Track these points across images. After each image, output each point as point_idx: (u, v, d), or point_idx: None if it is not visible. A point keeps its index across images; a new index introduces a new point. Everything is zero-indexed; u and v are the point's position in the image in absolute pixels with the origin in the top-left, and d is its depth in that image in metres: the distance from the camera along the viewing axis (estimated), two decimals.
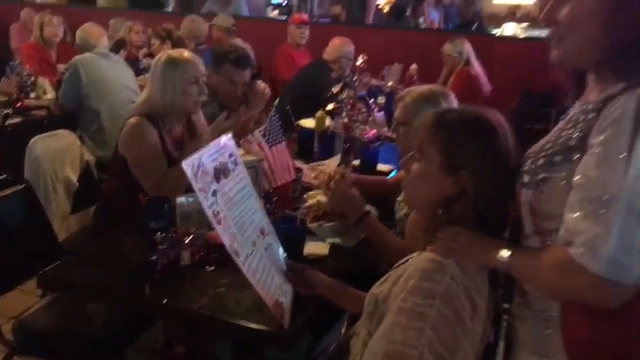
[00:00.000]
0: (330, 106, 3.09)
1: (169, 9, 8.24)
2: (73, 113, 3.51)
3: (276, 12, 8.90)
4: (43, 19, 4.46)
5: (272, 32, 5.31)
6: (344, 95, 3.17)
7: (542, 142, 1.10)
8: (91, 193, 2.54)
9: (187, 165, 1.21)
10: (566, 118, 1.09)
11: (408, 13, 6.69)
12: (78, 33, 3.78)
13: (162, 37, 4.02)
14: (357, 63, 3.29)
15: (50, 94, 3.84)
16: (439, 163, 1.14)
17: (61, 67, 3.98)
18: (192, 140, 2.34)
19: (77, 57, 3.53)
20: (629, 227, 0.88)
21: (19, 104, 3.48)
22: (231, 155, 1.40)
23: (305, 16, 4.92)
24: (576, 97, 1.10)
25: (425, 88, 1.93)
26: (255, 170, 1.92)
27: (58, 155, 2.49)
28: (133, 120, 2.20)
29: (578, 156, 0.97)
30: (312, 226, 1.92)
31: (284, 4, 9.27)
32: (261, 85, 2.79)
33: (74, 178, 2.55)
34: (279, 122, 2.01)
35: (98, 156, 3.23)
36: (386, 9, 7.03)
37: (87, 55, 3.54)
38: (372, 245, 1.82)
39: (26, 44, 4.67)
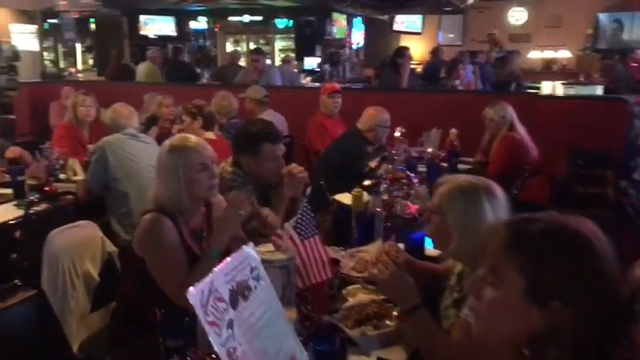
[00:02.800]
0: (367, 182, 2.87)
1: (204, 81, 8.44)
2: (101, 197, 3.41)
3: (308, 79, 8.96)
4: (77, 99, 4.50)
5: (305, 100, 5.23)
6: (382, 170, 2.96)
7: None
8: (112, 287, 2.34)
9: (194, 296, 0.98)
10: None
11: (442, 74, 6.54)
12: (108, 113, 3.75)
13: (192, 113, 3.91)
14: (396, 134, 3.08)
15: (80, 175, 3.77)
16: (522, 290, 0.89)
17: (90, 147, 3.93)
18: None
19: (104, 139, 3.47)
20: None
21: (47, 188, 3.39)
22: (252, 270, 1.17)
23: (337, 85, 4.80)
24: None
25: (467, 178, 1.71)
26: (287, 270, 1.69)
27: (77, 249, 2.32)
28: (147, 216, 2.00)
29: None
30: (354, 334, 1.66)
31: (316, 71, 9.35)
32: (297, 168, 2.60)
33: (95, 272, 2.37)
34: (312, 214, 1.79)
35: (126, 240, 3.07)
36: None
37: (114, 136, 3.47)
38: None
39: (59, 124, 4.69)
